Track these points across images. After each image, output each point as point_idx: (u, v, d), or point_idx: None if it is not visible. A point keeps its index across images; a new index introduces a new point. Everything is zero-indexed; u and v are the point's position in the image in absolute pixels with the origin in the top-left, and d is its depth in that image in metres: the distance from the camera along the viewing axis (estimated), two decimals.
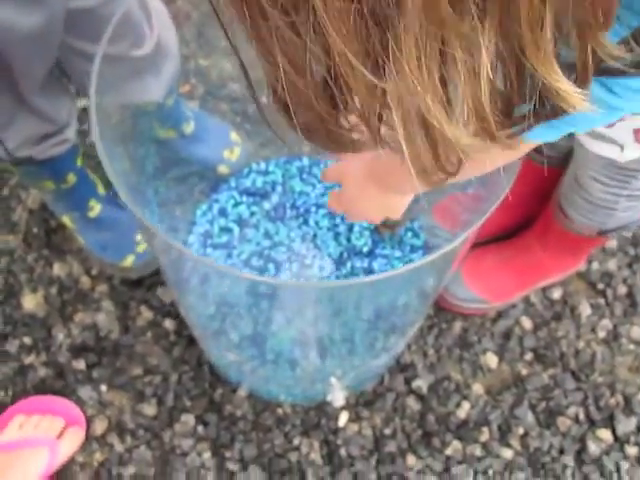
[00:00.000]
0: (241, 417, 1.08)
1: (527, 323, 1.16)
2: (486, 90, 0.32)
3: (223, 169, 1.17)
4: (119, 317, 1.13)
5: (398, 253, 1.09)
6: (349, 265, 1.10)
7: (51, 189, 1.05)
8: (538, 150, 1.03)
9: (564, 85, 0.32)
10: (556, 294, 1.18)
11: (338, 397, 1.06)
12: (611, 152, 0.80)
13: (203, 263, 0.82)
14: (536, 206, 1.10)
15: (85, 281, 1.16)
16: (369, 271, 1.09)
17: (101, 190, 1.14)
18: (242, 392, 1.10)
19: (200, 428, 1.07)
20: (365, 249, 1.10)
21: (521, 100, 0.34)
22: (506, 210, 1.15)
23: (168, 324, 1.13)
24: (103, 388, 1.09)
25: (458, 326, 1.16)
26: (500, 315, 1.17)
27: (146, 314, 1.14)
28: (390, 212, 0.74)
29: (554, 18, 0.30)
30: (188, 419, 1.07)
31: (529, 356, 1.14)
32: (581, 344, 1.15)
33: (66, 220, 1.14)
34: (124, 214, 1.13)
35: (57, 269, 1.16)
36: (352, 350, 1.05)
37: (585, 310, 1.17)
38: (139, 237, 1.14)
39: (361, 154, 0.65)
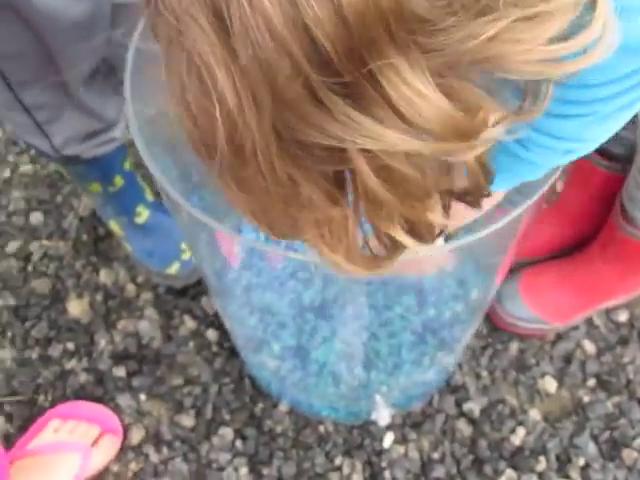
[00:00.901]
0: (281, 433, 1.03)
1: (590, 347, 1.08)
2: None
3: None
4: (162, 326, 1.11)
5: (450, 269, 1.04)
6: (398, 282, 1.05)
7: (99, 192, 1.04)
8: (601, 153, 0.97)
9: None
10: (622, 317, 1.10)
11: (383, 415, 1.00)
12: None
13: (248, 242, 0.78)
14: (604, 217, 1.02)
15: (130, 289, 1.15)
16: (419, 288, 1.04)
17: (149, 196, 1.13)
18: (283, 407, 1.05)
19: (238, 442, 1.03)
20: None
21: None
22: (569, 222, 1.08)
23: (211, 335, 1.11)
24: (142, 397, 1.07)
25: (514, 347, 1.08)
26: (560, 337, 1.09)
27: (189, 324, 1.11)
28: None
29: None
30: (226, 433, 1.03)
31: (591, 382, 1.06)
32: None
33: (114, 226, 1.13)
34: (171, 221, 1.12)
35: (103, 276, 1.16)
36: (398, 365, 1.00)
37: None
38: (184, 245, 1.12)
39: None
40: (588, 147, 0.52)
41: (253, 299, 1.05)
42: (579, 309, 1.06)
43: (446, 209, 0.41)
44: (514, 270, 1.10)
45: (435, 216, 0.39)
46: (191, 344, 1.10)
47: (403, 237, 0.39)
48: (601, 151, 0.98)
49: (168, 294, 1.14)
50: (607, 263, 1.00)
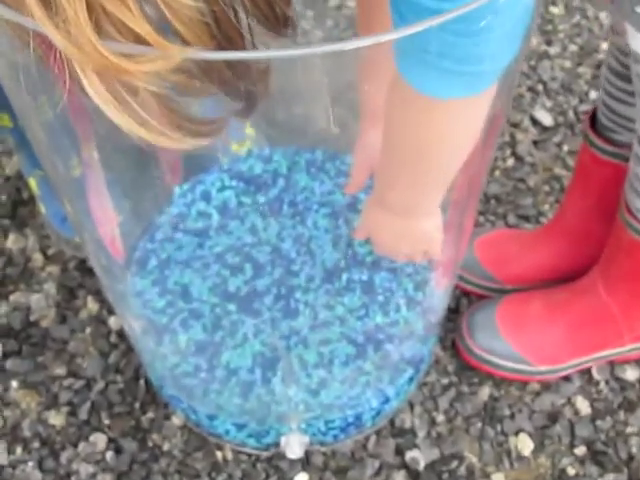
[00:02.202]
0: (167, 452, 0.80)
1: (583, 406, 0.83)
2: None
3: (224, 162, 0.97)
4: (58, 303, 0.91)
5: (409, 269, 0.82)
6: (345, 278, 0.83)
7: (9, 127, 0.88)
8: (606, 139, 0.77)
9: None
10: (631, 375, 0.85)
11: (293, 445, 0.76)
12: None
13: None
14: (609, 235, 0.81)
15: (37, 259, 0.96)
16: (368, 286, 0.82)
17: (86, 149, 0.96)
18: (177, 420, 0.83)
19: (110, 455, 0.80)
20: (368, 259, 0.84)
21: None
22: (566, 242, 0.86)
23: (113, 323, 0.90)
24: (14, 384, 0.85)
25: (485, 392, 0.84)
26: (547, 388, 0.84)
27: (91, 306, 0.91)
28: (425, 242, 0.64)
29: None
30: (98, 440, 0.81)
31: (581, 450, 0.80)
32: None
33: (32, 184, 0.97)
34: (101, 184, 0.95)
35: (11, 241, 0.98)
36: (325, 381, 0.77)
37: None
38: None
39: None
40: None
41: (167, 278, 0.85)
42: (572, 352, 0.82)
43: None
44: (492, 297, 0.88)
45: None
46: (87, 330, 0.89)
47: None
48: (606, 137, 0.78)
49: (78, 270, 0.95)
50: (610, 290, 0.77)
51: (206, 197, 0.91)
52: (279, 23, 0.37)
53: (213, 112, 0.42)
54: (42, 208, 0.96)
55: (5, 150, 1.08)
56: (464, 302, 0.91)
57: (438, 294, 0.78)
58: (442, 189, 0.55)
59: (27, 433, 0.82)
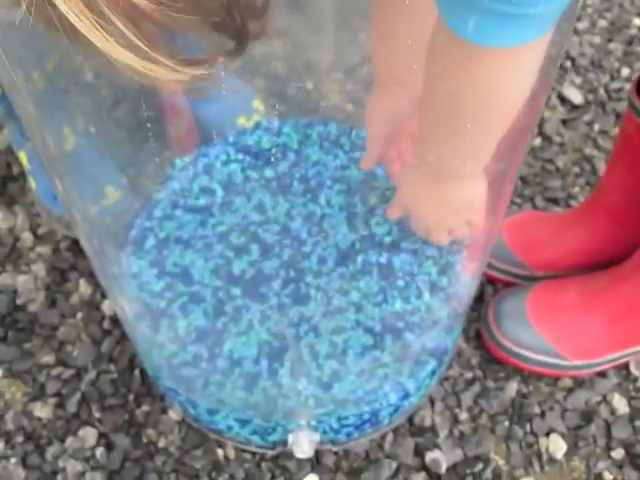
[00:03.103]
0: (163, 449, 0.73)
1: (621, 404, 0.76)
2: None
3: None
4: (48, 286, 0.84)
5: (432, 251, 0.75)
6: (360, 259, 0.76)
7: (1, 94, 0.81)
8: None
9: None
10: None
11: (302, 444, 0.69)
12: None
13: None
14: None
15: (26, 238, 0.89)
16: (386, 269, 0.75)
17: (80, 120, 0.89)
18: (174, 414, 0.75)
19: (100, 452, 0.73)
20: (387, 239, 0.77)
21: None
22: (606, 223, 0.79)
23: (106, 307, 0.83)
24: None
25: (513, 388, 0.77)
26: (580, 384, 0.77)
27: (84, 290, 0.84)
28: (469, 210, 0.58)
29: None
30: (88, 435, 0.74)
31: (618, 453, 0.73)
32: None
33: (22, 157, 0.89)
34: (95, 155, 0.87)
35: None
36: (338, 374, 0.70)
37: None
38: (109, 188, 0.87)
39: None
40: None
41: (166, 258, 0.78)
42: (610, 346, 0.75)
43: None
44: (523, 285, 0.80)
45: None
46: (79, 315, 0.82)
47: None
48: None
49: (70, 251, 0.87)
50: None
51: (209, 171, 0.84)
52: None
53: (197, 51, 0.37)
54: (33, 183, 0.89)
55: None
56: (489, 290, 0.83)
57: (465, 281, 0.70)
58: (488, 150, 0.49)
59: (10, 426, 0.75)
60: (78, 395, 0.76)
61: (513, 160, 0.55)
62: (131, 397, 0.77)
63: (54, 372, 0.78)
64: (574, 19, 0.43)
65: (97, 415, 0.75)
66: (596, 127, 0.99)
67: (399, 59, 0.58)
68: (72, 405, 0.76)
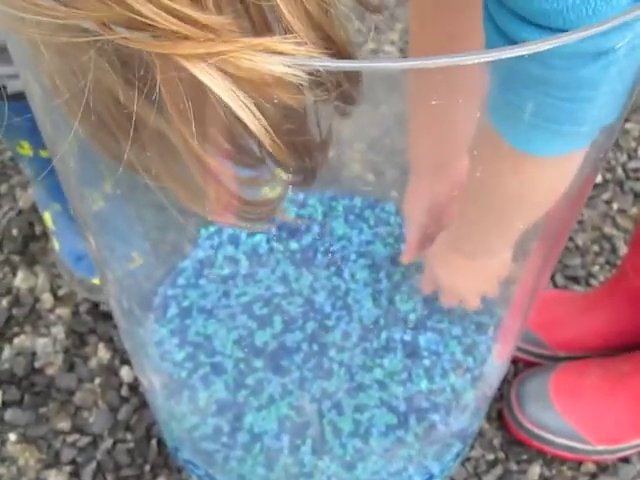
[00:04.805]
0: None
1: None
2: None
3: None
4: (67, 350, 0.84)
5: (457, 330, 0.75)
6: (384, 336, 0.76)
7: (29, 156, 0.82)
8: None
9: None
10: None
11: None
12: None
13: None
14: None
15: (46, 300, 0.89)
16: (412, 349, 0.74)
17: (108, 186, 0.90)
18: None
19: None
20: (412, 317, 0.77)
21: None
22: (630, 304, 0.79)
23: (125, 374, 0.82)
24: (12, 437, 0.77)
25: (535, 472, 0.76)
26: (604, 469, 0.76)
27: (102, 354, 0.84)
28: (484, 283, 0.62)
29: None
30: None
31: None
32: None
33: (47, 218, 0.90)
34: (123, 220, 0.88)
35: (20, 280, 0.90)
36: (362, 453, 0.69)
37: None
38: (134, 254, 0.87)
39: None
40: None
41: (188, 327, 0.78)
42: (634, 431, 0.74)
43: None
44: (545, 365, 0.80)
45: None
46: (97, 381, 0.81)
47: None
48: None
49: (90, 315, 0.87)
50: None
51: (234, 241, 0.85)
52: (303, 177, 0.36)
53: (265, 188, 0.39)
54: (56, 245, 0.89)
55: (20, 182, 1.02)
56: (510, 369, 0.83)
57: (495, 364, 0.70)
58: (517, 235, 0.53)
59: None
60: (94, 464, 0.75)
61: (554, 249, 0.56)
62: (147, 468, 0.75)
63: (69, 439, 0.77)
64: (619, 125, 0.44)
65: None
66: (615, 206, 1.00)
67: (437, 151, 0.60)
68: (87, 475, 0.74)
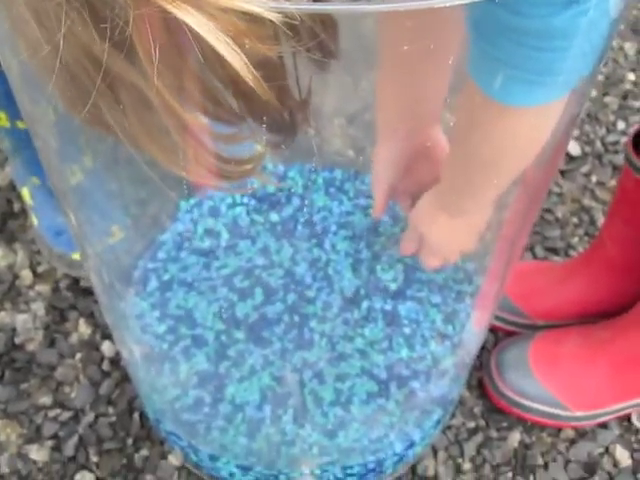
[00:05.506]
0: None
1: (623, 457, 0.76)
2: None
3: None
4: (47, 325, 0.83)
5: (437, 298, 0.75)
6: (365, 306, 0.76)
7: (5, 127, 0.81)
8: None
9: None
10: None
11: None
12: None
13: None
14: None
15: (25, 276, 0.88)
16: (392, 317, 0.75)
17: (88, 161, 0.89)
18: (174, 460, 0.74)
19: None
20: (392, 286, 0.77)
21: None
22: (607, 273, 0.80)
23: (106, 348, 0.82)
24: None
25: (515, 438, 0.77)
26: (582, 435, 0.77)
27: (83, 330, 0.83)
28: (466, 239, 0.62)
29: None
30: (85, 479, 0.72)
31: None
32: None
33: (25, 194, 0.89)
34: (102, 193, 0.87)
35: None
36: (343, 421, 0.69)
37: None
38: (114, 228, 0.86)
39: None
40: None
41: (169, 301, 0.78)
42: (613, 397, 0.75)
43: None
44: (524, 334, 0.81)
45: None
46: (78, 356, 0.81)
47: None
48: None
49: (70, 290, 0.87)
50: None
51: (214, 214, 0.84)
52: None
53: (245, 148, 0.38)
54: (34, 220, 0.89)
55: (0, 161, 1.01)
56: (490, 339, 0.83)
57: (474, 330, 0.70)
58: (500, 192, 0.53)
59: (5, 469, 0.73)
60: (75, 438, 0.75)
61: (529, 215, 0.56)
62: (130, 441, 0.75)
63: (51, 414, 0.77)
64: (595, 79, 0.45)
65: (94, 459, 0.74)
66: (593, 179, 1.01)
67: (403, 107, 0.60)
68: (69, 448, 0.74)
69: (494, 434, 0.77)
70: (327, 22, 0.32)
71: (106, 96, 0.34)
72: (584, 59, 0.41)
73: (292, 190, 0.86)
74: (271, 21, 0.27)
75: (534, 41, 0.37)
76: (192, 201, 0.85)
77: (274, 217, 0.84)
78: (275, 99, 0.32)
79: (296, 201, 0.86)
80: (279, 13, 0.27)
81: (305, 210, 0.84)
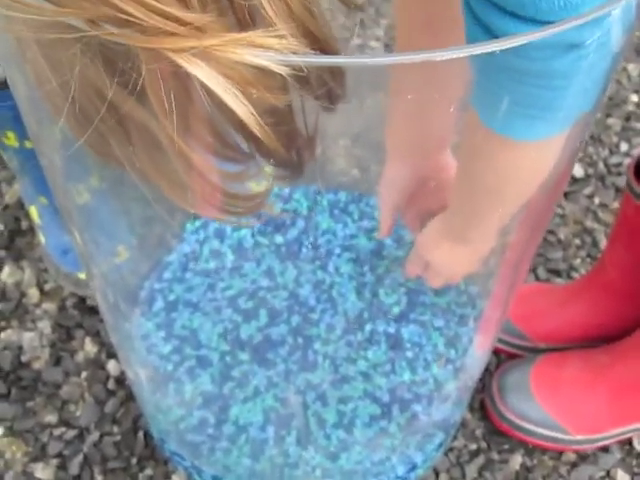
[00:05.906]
0: None
1: None
2: None
3: None
4: (53, 344, 0.84)
5: (440, 322, 0.76)
6: (368, 329, 0.77)
7: (15, 147, 0.82)
8: None
9: None
10: None
11: None
12: None
13: None
14: None
15: (32, 294, 0.89)
16: (395, 341, 0.75)
17: (95, 180, 0.90)
18: (178, 479, 0.75)
19: None
20: (396, 309, 0.78)
21: None
22: (608, 297, 0.80)
23: (112, 367, 0.83)
24: None
25: (517, 461, 0.77)
26: (584, 459, 0.77)
27: (89, 348, 0.84)
28: (470, 264, 0.63)
29: None
30: None
31: None
32: None
33: (32, 213, 0.90)
34: (108, 213, 0.88)
35: (5, 274, 0.91)
36: (346, 444, 0.70)
37: None
38: (120, 248, 0.87)
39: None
40: None
41: (174, 321, 0.78)
42: (613, 421, 0.76)
43: None
44: (526, 357, 0.81)
45: None
46: (83, 375, 0.82)
47: None
48: None
49: (76, 309, 0.87)
50: None
51: (220, 235, 0.85)
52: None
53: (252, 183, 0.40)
54: (42, 239, 0.90)
55: (5, 177, 1.02)
56: (492, 361, 0.84)
57: (476, 354, 0.71)
58: (504, 222, 0.54)
59: None
60: (80, 457, 0.76)
61: (533, 240, 0.57)
62: (134, 460, 0.76)
63: (56, 432, 0.78)
64: (596, 113, 0.45)
65: (99, 478, 0.74)
66: (596, 200, 1.02)
67: (412, 136, 0.61)
68: (74, 467, 0.75)
69: (496, 456, 0.77)
70: (335, 71, 0.32)
71: (116, 132, 0.35)
72: (585, 95, 0.41)
73: (297, 212, 0.87)
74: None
75: (535, 80, 0.38)
76: (198, 223, 0.86)
77: (279, 239, 0.85)
78: (282, 143, 0.33)
79: (301, 223, 0.86)
80: (287, 66, 0.28)
81: (309, 232, 0.85)
